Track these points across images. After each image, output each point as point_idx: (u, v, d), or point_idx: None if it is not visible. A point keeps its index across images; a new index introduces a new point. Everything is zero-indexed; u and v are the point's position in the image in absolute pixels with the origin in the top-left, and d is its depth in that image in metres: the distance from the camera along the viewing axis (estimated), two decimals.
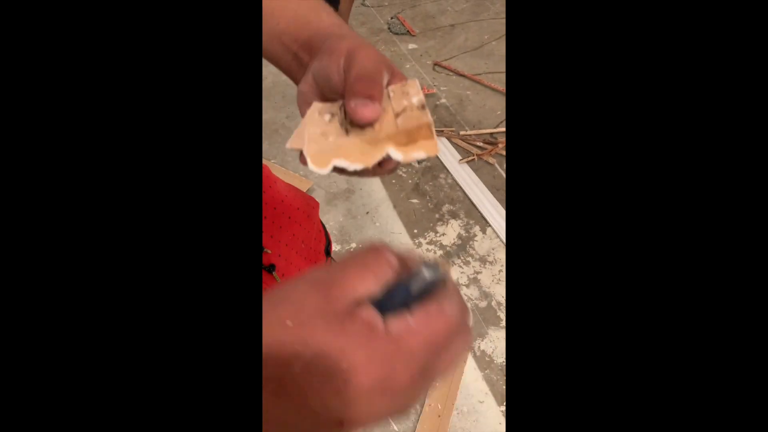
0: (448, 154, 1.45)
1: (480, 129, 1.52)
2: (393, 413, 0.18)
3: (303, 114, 0.29)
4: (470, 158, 1.42)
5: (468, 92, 1.66)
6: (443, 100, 1.63)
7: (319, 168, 0.24)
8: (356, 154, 0.24)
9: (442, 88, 1.67)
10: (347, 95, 0.24)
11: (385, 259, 0.20)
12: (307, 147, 0.25)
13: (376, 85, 0.24)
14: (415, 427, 0.94)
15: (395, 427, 0.96)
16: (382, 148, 0.24)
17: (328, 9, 0.30)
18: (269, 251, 0.49)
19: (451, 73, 1.72)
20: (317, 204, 0.64)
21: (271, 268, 0.49)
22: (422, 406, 0.95)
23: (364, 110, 0.24)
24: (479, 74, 1.70)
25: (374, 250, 0.20)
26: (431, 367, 0.18)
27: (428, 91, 1.64)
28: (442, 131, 1.51)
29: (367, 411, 0.16)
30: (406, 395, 0.18)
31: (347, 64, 0.25)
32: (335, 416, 0.16)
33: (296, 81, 0.30)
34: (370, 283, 0.19)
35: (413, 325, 0.18)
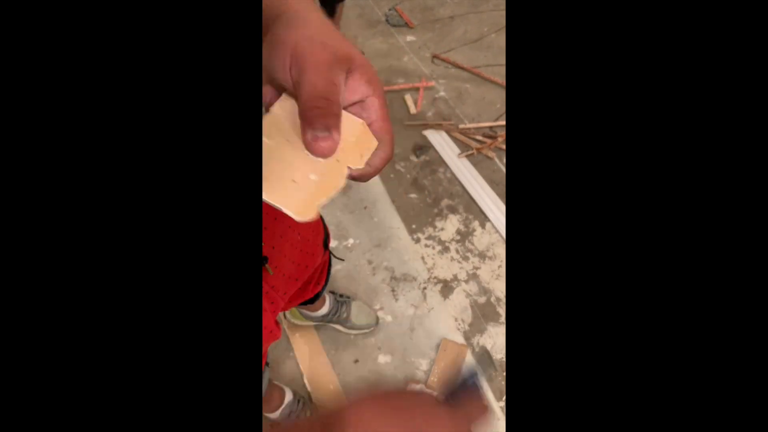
0: (446, 148, 1.43)
1: (479, 122, 1.51)
2: None
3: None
4: (469, 152, 1.41)
5: (467, 85, 1.64)
6: (442, 93, 1.61)
7: (309, 217, 0.23)
8: (327, 185, 0.23)
9: (440, 81, 1.65)
10: (301, 120, 0.22)
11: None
12: (285, 201, 0.22)
13: (331, 109, 0.22)
14: None
15: None
16: (344, 168, 0.23)
17: None
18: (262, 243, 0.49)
19: (449, 66, 1.70)
20: None
21: (263, 260, 0.48)
22: None
23: (322, 146, 0.22)
24: (478, 67, 1.68)
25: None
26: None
27: (427, 84, 1.62)
28: (441, 125, 1.49)
29: None
30: None
31: (296, 70, 0.22)
32: None
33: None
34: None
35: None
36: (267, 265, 0.49)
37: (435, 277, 1.16)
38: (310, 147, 0.22)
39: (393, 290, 1.14)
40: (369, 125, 0.24)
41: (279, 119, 0.23)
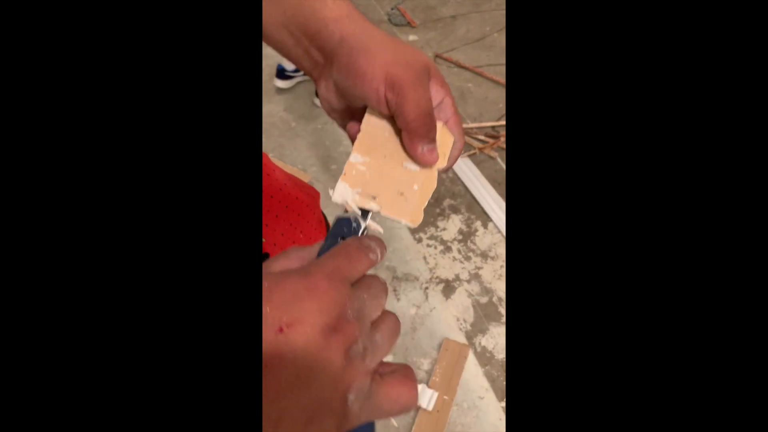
0: None
1: (481, 122, 1.51)
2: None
3: (330, 113, 0.28)
4: (471, 152, 1.41)
5: (469, 84, 1.64)
6: None
7: (420, 221, 0.25)
8: (427, 190, 0.26)
9: None
10: (411, 136, 0.24)
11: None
12: (400, 214, 0.25)
13: (433, 122, 0.24)
14: (414, 422, 0.94)
15: (394, 423, 0.96)
16: (435, 171, 0.26)
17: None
18: (263, 240, 0.49)
19: (452, 65, 1.70)
20: (318, 194, 0.63)
21: (264, 256, 0.48)
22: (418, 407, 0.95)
23: (431, 157, 0.24)
24: (481, 66, 1.68)
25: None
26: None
27: None
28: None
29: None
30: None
31: (393, 95, 0.24)
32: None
33: (311, 76, 0.29)
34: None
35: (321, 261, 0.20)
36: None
37: (437, 277, 1.16)
38: (422, 159, 0.25)
39: (395, 290, 1.14)
40: (445, 123, 0.26)
41: (373, 137, 0.26)
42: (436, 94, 0.25)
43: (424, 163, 0.25)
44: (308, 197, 0.59)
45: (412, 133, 0.24)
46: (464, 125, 1.49)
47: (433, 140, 0.24)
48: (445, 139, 0.26)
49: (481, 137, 1.45)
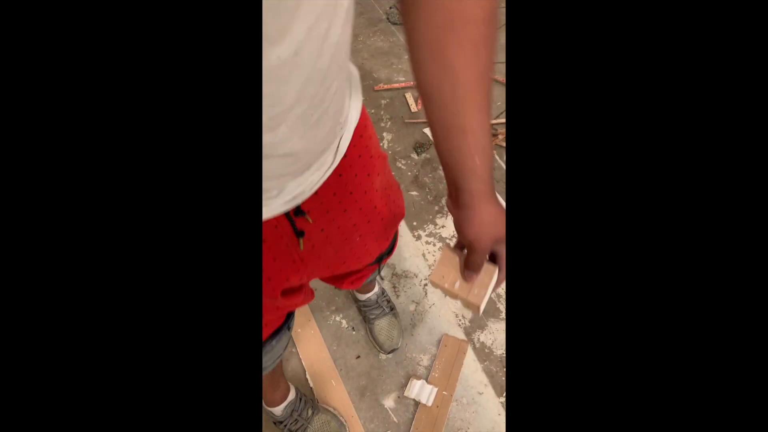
0: None
1: None
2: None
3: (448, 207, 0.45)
4: None
5: None
6: None
7: (482, 309, 0.45)
8: (484, 293, 0.44)
9: None
10: (466, 265, 0.43)
11: None
12: (478, 301, 0.44)
13: (481, 265, 0.42)
14: (413, 417, 0.95)
15: (394, 419, 0.97)
16: (486, 287, 0.44)
17: (483, 150, 0.37)
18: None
19: None
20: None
21: (299, 212, 0.48)
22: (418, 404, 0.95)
23: (471, 277, 0.43)
24: None
25: None
26: None
27: None
28: None
29: None
30: None
31: (474, 242, 0.41)
32: None
33: (448, 185, 0.42)
34: None
35: None
36: (300, 239, 0.50)
37: None
38: (466, 277, 0.44)
39: (394, 287, 1.15)
40: (499, 268, 0.44)
41: (451, 260, 0.45)
42: (501, 250, 0.42)
43: (467, 279, 0.44)
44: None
45: (468, 264, 0.42)
46: None
47: (476, 271, 0.43)
48: (490, 273, 0.43)
49: None
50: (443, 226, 1.26)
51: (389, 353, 1.03)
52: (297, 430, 0.90)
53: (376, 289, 1.02)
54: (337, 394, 0.99)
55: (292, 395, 0.91)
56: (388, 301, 1.03)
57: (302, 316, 1.10)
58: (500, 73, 1.64)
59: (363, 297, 1.02)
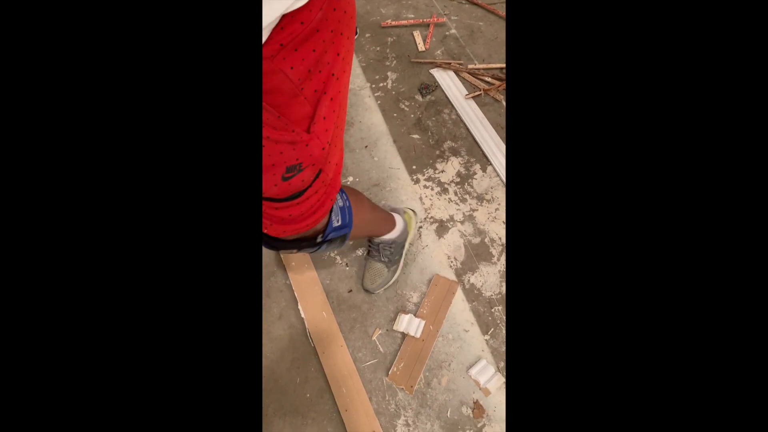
0: (454, 88, 1.39)
1: (489, 63, 1.45)
2: None
3: None
4: (477, 93, 1.36)
5: (480, 23, 1.56)
6: (453, 31, 1.53)
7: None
8: None
9: (453, 18, 1.57)
10: None
11: None
12: None
13: None
14: (399, 349, 0.99)
15: (381, 349, 1.01)
16: None
17: None
18: None
19: (463, 1, 1.61)
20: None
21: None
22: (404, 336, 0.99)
23: None
24: (494, 3, 1.59)
25: None
26: None
27: (438, 20, 1.54)
28: (449, 64, 1.44)
29: None
30: None
31: None
32: None
33: None
34: None
35: None
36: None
37: (431, 217, 1.18)
38: None
39: None
40: None
41: None
42: None
43: None
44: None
45: None
46: (472, 66, 1.44)
47: None
48: None
49: (488, 79, 1.40)
50: (443, 171, 1.25)
51: (365, 291, 1.06)
52: None
53: (387, 236, 1.02)
54: (328, 325, 1.03)
55: None
56: (391, 254, 1.03)
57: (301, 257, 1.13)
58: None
59: (375, 238, 1.03)
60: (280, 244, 0.64)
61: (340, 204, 0.67)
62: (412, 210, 1.12)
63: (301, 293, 1.07)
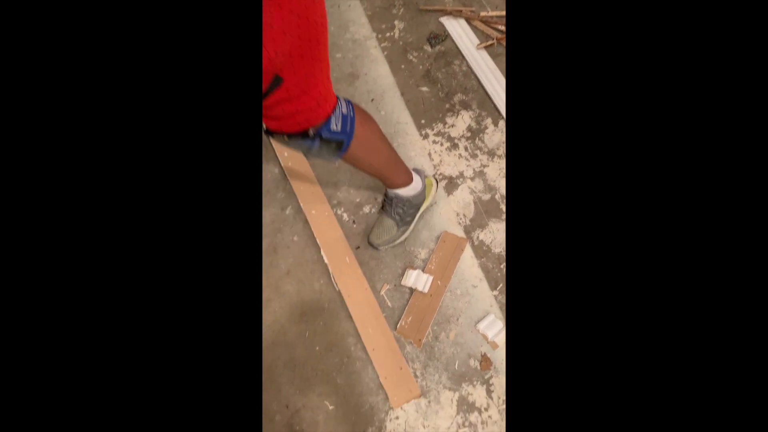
0: (465, 37, 1.31)
1: (503, 11, 1.36)
2: None
3: None
4: (489, 43, 1.29)
5: None
6: None
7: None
8: None
9: None
10: None
11: None
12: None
13: None
14: (407, 303, 0.99)
15: (389, 303, 1.02)
16: None
17: None
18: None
19: None
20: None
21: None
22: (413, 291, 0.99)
23: None
24: None
25: None
26: None
27: None
28: (461, 11, 1.35)
29: None
30: None
31: None
32: None
33: None
34: None
35: None
36: None
37: (440, 174, 1.14)
38: None
39: None
40: None
41: None
42: None
43: None
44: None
45: None
46: (484, 13, 1.35)
47: None
48: None
49: (501, 27, 1.32)
50: (452, 125, 1.20)
51: (368, 244, 1.05)
52: None
53: (402, 191, 0.99)
54: (353, 270, 1.03)
55: None
56: (403, 213, 1.01)
57: (303, 212, 1.11)
58: None
59: (390, 190, 1.00)
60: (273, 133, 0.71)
61: (344, 111, 0.71)
62: (436, 180, 1.09)
63: (321, 234, 1.07)
